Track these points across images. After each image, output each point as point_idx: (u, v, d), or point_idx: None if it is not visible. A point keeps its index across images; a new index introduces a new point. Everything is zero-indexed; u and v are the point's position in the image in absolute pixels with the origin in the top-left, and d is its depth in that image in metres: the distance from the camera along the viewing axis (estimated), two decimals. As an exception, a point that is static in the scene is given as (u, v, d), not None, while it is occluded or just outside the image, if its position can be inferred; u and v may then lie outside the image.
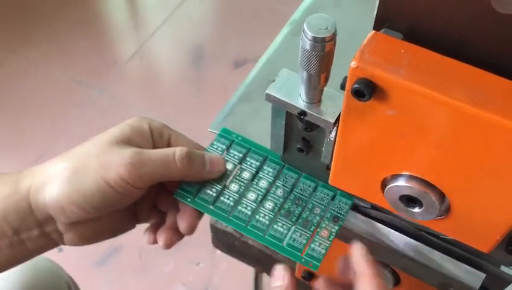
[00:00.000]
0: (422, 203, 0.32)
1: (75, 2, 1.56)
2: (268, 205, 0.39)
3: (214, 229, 0.57)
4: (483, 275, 0.37)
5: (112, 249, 1.11)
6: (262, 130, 0.41)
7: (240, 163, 0.41)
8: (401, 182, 0.32)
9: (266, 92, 0.33)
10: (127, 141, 0.37)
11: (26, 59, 1.43)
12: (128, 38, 1.52)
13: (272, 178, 0.40)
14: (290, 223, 0.38)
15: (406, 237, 0.39)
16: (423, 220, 0.33)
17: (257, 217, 0.38)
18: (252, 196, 0.39)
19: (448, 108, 0.26)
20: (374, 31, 0.28)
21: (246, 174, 0.40)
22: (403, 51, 0.28)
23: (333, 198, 0.39)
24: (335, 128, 0.33)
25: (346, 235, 0.40)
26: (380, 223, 0.39)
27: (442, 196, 0.32)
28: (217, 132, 0.42)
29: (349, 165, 0.34)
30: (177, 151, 0.37)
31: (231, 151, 0.41)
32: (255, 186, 0.39)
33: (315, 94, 0.32)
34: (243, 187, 0.39)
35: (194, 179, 0.39)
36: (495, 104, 0.26)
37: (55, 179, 0.36)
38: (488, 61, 0.27)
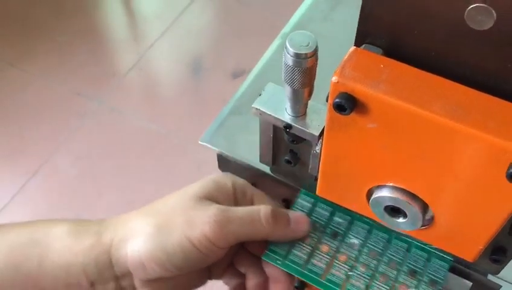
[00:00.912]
0: (406, 213, 0.33)
1: (74, 15, 1.58)
2: (361, 268, 0.37)
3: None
4: (469, 284, 0.37)
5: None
6: (252, 143, 0.41)
7: (328, 222, 0.39)
8: (385, 193, 0.33)
9: (252, 106, 0.34)
10: (210, 198, 0.37)
11: (25, 71, 1.44)
12: (128, 50, 1.54)
13: (363, 238, 0.38)
14: (385, 287, 0.36)
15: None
16: (408, 230, 0.34)
17: (352, 280, 0.36)
18: (343, 257, 0.37)
19: (426, 121, 0.27)
20: (354, 47, 0.29)
21: (335, 235, 0.38)
22: (382, 66, 0.28)
23: (429, 259, 0.38)
24: (320, 140, 0.34)
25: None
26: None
27: (425, 207, 0.32)
28: (208, 145, 0.43)
29: (335, 177, 0.35)
30: (262, 209, 0.36)
31: (317, 209, 0.40)
32: (345, 247, 0.38)
33: (300, 108, 0.33)
34: (333, 248, 0.38)
35: (277, 239, 0.38)
36: (471, 118, 0.26)
37: (139, 235, 0.35)
38: (464, 75, 0.28)
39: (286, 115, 0.34)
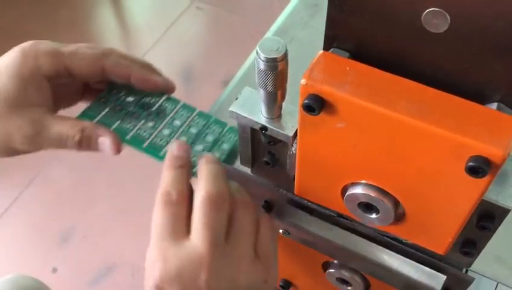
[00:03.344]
0: (378, 209, 0.34)
1: (68, 28, 1.60)
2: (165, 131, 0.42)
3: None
4: (443, 277, 0.39)
5: (105, 269, 1.13)
6: (233, 146, 0.43)
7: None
8: (358, 190, 0.34)
9: (229, 109, 0.35)
10: (24, 101, 0.39)
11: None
12: (120, 60, 1.55)
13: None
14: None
15: (372, 243, 0.41)
16: (381, 225, 0.36)
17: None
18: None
19: (390, 120, 0.29)
20: (322, 51, 0.31)
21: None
22: (348, 68, 0.30)
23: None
24: (295, 141, 0.36)
25: (313, 242, 0.42)
26: (347, 230, 0.41)
27: (396, 202, 0.34)
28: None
29: (311, 176, 0.36)
30: (69, 139, 0.40)
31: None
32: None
33: (274, 110, 0.34)
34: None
35: None
36: (432, 116, 0.28)
37: None
38: (425, 75, 0.30)
39: (262, 118, 0.35)
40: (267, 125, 0.35)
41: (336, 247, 0.41)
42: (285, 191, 0.41)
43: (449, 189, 0.30)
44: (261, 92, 0.33)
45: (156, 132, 0.42)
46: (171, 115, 0.43)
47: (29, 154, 0.42)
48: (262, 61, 0.31)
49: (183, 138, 0.42)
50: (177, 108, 0.43)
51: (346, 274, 0.44)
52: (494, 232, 0.33)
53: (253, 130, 0.37)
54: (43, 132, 0.39)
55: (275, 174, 0.41)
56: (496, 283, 0.40)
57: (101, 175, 1.27)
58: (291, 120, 0.35)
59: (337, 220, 0.41)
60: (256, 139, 0.38)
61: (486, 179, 0.27)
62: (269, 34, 0.53)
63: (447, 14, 0.26)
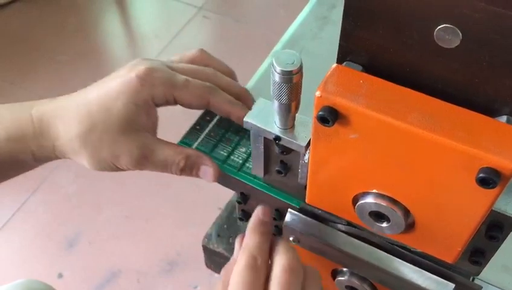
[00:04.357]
0: (389, 218, 0.35)
1: (75, 35, 1.62)
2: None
3: (205, 249, 0.59)
4: (452, 285, 0.39)
5: (110, 274, 1.13)
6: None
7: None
8: (369, 199, 0.35)
9: (244, 119, 0.36)
10: (134, 123, 0.41)
11: (26, 90, 1.47)
12: (127, 68, 1.56)
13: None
14: None
15: (380, 251, 0.41)
16: (391, 234, 0.36)
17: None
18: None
19: (401, 132, 0.29)
20: (336, 64, 0.32)
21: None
22: (361, 81, 0.31)
23: None
24: (308, 151, 0.36)
25: (323, 250, 0.43)
26: (357, 238, 0.42)
27: (406, 212, 0.35)
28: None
29: (322, 185, 0.37)
30: (175, 164, 0.42)
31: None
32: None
33: (288, 121, 0.35)
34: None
35: None
36: (443, 128, 0.29)
37: (68, 134, 0.42)
38: (436, 88, 0.30)
39: (275, 128, 0.36)
40: (281, 135, 0.36)
41: (345, 255, 0.42)
42: (295, 200, 0.42)
43: (459, 199, 0.31)
44: (276, 103, 0.34)
45: (248, 157, 0.44)
46: None
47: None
48: (278, 74, 0.32)
49: None
50: None
51: (355, 282, 0.45)
52: (502, 241, 0.34)
53: (266, 139, 0.38)
54: (151, 156, 0.42)
55: (287, 183, 0.42)
56: (502, 292, 0.41)
57: (107, 181, 1.28)
58: (304, 130, 0.36)
59: (348, 228, 0.42)
60: (269, 149, 0.39)
61: (496, 190, 0.28)
62: (279, 44, 0.54)
63: (458, 31, 0.27)
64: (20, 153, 0.42)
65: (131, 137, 0.41)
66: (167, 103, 0.43)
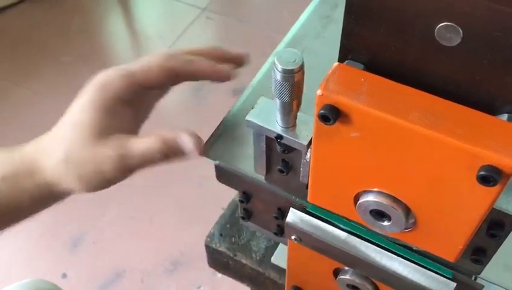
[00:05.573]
0: (390, 217, 0.35)
1: (79, 36, 1.62)
2: None
3: (208, 249, 0.60)
4: (454, 284, 0.39)
5: (114, 274, 1.14)
6: (248, 154, 0.44)
7: None
8: (370, 198, 0.35)
9: (246, 118, 0.37)
10: (106, 130, 0.41)
11: (30, 90, 1.48)
12: (131, 69, 1.57)
13: None
14: None
15: (383, 250, 0.41)
16: (392, 232, 0.36)
17: None
18: None
19: (402, 130, 0.30)
20: (337, 63, 0.32)
21: None
22: (362, 79, 0.31)
23: None
24: (309, 150, 0.37)
25: (325, 249, 0.43)
26: (358, 237, 0.42)
27: (407, 210, 0.35)
28: (206, 157, 0.45)
29: (324, 183, 0.37)
30: (156, 151, 0.41)
31: None
32: None
33: (289, 119, 0.35)
34: None
35: None
36: (444, 126, 0.29)
37: (53, 158, 0.42)
38: (437, 86, 0.31)
39: (277, 127, 0.36)
40: (283, 134, 0.36)
41: (347, 254, 0.42)
42: (298, 199, 0.42)
43: (460, 197, 0.31)
44: (277, 102, 0.34)
45: None
46: None
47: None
48: (280, 72, 0.32)
49: None
50: None
51: (357, 280, 0.45)
52: (504, 240, 0.34)
53: (268, 138, 0.38)
54: (128, 154, 0.41)
55: (289, 181, 0.42)
56: (504, 291, 0.41)
57: (111, 182, 1.29)
58: (306, 129, 0.36)
59: (349, 227, 0.42)
60: (270, 148, 0.39)
61: (497, 188, 0.28)
62: (283, 44, 0.54)
63: (459, 29, 0.27)
64: (16, 192, 0.42)
65: (105, 143, 0.41)
66: (136, 93, 0.43)
